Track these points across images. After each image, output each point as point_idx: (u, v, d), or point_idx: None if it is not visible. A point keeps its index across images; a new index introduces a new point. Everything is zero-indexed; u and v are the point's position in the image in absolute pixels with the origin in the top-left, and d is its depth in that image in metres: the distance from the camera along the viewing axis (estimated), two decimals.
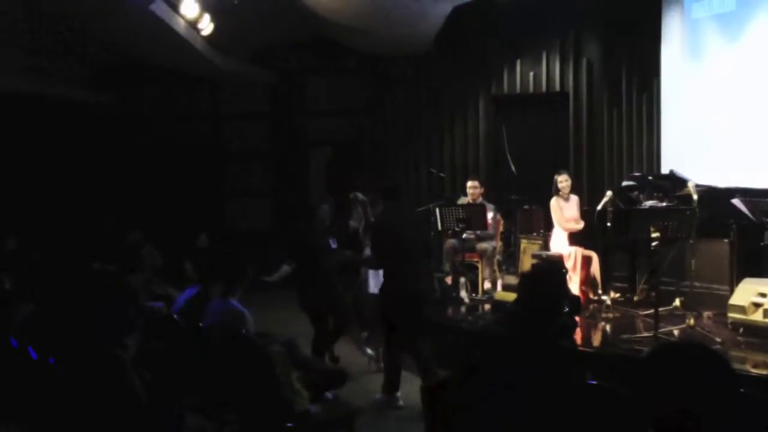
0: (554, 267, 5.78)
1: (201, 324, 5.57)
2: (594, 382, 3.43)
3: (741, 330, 7.00)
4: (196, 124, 14.93)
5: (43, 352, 4.27)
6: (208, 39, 11.36)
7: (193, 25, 10.59)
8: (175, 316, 6.06)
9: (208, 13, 10.62)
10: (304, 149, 14.59)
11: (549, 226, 9.51)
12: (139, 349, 4.04)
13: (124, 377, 3.67)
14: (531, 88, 12.23)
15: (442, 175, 12.55)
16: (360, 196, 7.66)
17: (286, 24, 11.63)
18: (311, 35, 12.18)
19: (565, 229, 8.97)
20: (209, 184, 14.68)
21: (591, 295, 8.85)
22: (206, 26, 10.79)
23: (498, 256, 9.87)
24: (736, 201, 7.84)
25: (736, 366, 5.81)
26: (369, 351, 8.18)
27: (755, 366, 6.07)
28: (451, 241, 9.34)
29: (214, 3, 10.47)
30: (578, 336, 7.09)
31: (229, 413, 4.79)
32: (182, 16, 10.21)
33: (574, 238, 8.83)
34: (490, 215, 9.48)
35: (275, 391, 4.80)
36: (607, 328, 7.72)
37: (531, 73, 12.19)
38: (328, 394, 5.98)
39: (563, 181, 9.20)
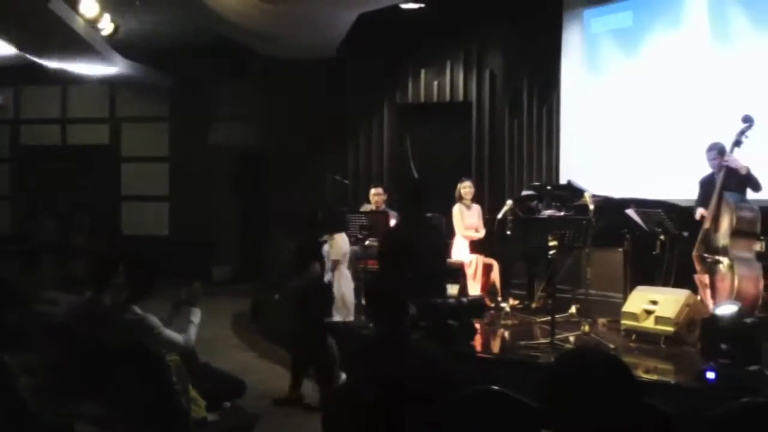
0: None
1: (95, 330, 5.39)
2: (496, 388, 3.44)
3: (633, 336, 7.19)
4: (93, 125, 14.57)
5: None
6: (108, 39, 11.08)
7: (92, 24, 10.32)
8: (67, 322, 5.85)
9: (108, 13, 10.36)
10: (205, 154, 14.34)
11: (451, 233, 9.59)
12: (28, 356, 3.90)
13: (10, 385, 3.52)
14: (435, 97, 12.35)
15: (345, 182, 12.54)
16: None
17: (189, 26, 11.43)
18: (214, 38, 11.97)
19: (464, 237, 9.16)
20: (105, 188, 14.32)
21: (490, 303, 8.96)
22: (106, 26, 10.53)
23: None
24: (629, 211, 8.05)
25: None
26: None
27: (647, 371, 6.23)
28: (353, 248, 9.33)
29: (114, 2, 10.22)
30: (478, 342, 7.18)
31: (123, 422, 4.65)
32: (81, 15, 9.93)
33: (476, 246, 8.96)
34: (393, 222, 9.50)
35: (171, 399, 4.69)
36: (506, 334, 7.83)
37: (435, 83, 12.32)
38: (226, 403, 5.88)
39: (466, 188, 9.37)
